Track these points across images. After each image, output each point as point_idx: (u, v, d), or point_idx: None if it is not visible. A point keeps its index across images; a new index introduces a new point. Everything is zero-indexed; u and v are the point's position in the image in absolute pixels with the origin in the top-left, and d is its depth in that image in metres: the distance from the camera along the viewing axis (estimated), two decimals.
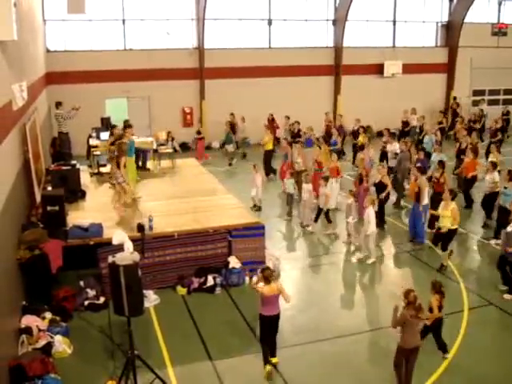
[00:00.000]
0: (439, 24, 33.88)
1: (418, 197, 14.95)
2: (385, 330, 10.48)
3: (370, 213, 13.60)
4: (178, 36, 28.08)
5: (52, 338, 9.77)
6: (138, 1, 27.14)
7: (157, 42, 27.58)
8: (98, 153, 18.11)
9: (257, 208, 17.77)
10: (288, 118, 26.06)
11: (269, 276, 9.10)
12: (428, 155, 19.79)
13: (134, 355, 8.36)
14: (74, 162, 15.84)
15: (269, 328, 9.28)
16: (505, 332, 10.58)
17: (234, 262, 12.55)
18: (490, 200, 16.21)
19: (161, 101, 27.34)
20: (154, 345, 10.03)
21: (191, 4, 28.03)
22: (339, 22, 30.61)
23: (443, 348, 9.64)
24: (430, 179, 16.25)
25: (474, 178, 17.90)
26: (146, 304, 10.73)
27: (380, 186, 16.05)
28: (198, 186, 16.40)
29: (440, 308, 9.30)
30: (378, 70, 31.86)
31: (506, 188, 14.77)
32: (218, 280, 12.27)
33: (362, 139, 21.90)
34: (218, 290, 12.18)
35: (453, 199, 13.31)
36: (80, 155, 20.53)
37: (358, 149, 21.84)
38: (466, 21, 32.78)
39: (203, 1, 26.91)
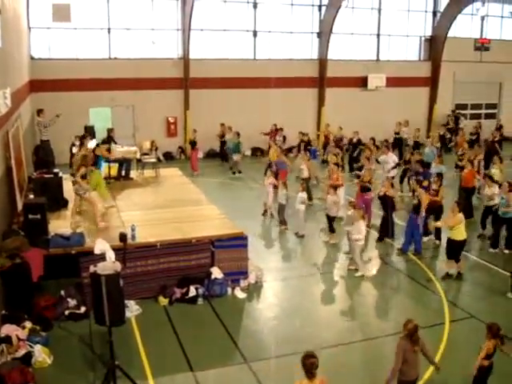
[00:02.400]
0: (423, 38, 34.27)
1: (415, 208, 14.96)
2: (368, 341, 10.54)
3: (360, 227, 13.56)
4: (163, 46, 28.11)
5: (32, 347, 9.67)
6: (124, 10, 27.12)
7: (142, 51, 27.60)
8: None
9: (267, 214, 18.20)
10: (282, 129, 26.15)
11: (312, 365, 7.03)
12: (428, 166, 19.89)
13: (115, 365, 8.31)
14: (56, 170, 15.74)
15: None
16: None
17: (216, 273, 12.51)
18: (486, 212, 16.38)
19: (145, 110, 27.32)
20: (135, 355, 9.96)
21: (177, 14, 28.08)
22: (324, 34, 30.83)
23: None
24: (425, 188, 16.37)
25: (474, 189, 18.30)
26: (128, 314, 10.65)
27: (385, 199, 16.08)
28: (181, 196, 16.37)
29: (490, 355, 8.37)
30: (362, 82, 32.12)
31: (503, 199, 14.97)
32: (201, 291, 12.21)
33: (369, 151, 22.08)
34: (200, 300, 12.12)
35: (460, 211, 13.31)
36: (62, 163, 20.38)
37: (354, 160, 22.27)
38: (449, 35, 33.24)
39: (189, 11, 26.98)
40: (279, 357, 10.07)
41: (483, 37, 34.96)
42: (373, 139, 23.25)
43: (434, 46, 33.94)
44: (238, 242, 12.90)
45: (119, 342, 9.04)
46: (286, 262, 15.05)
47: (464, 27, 34.53)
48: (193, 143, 25.35)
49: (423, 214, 15.08)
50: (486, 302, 12.38)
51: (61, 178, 15.12)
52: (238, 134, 25.03)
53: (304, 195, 16.63)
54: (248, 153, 28.45)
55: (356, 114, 30.46)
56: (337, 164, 18.88)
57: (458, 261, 13.47)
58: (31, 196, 14.29)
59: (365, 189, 16.94)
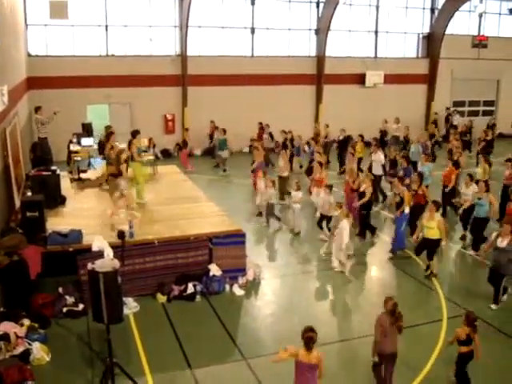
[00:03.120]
0: (420, 35, 34.26)
1: (398, 206, 14.97)
2: (365, 339, 10.54)
3: (344, 226, 13.43)
4: (160, 43, 28.07)
5: (30, 344, 9.66)
6: (121, 7, 27.07)
7: (139, 48, 27.56)
8: (78, 158, 18.00)
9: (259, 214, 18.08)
10: (268, 126, 26.05)
11: (310, 339, 7.56)
12: (414, 164, 19.89)
13: (113, 363, 8.31)
14: (54, 167, 15.72)
15: None
16: (483, 341, 10.62)
17: (214, 270, 12.51)
18: (466, 212, 16.00)
19: (143, 107, 27.28)
20: (133, 352, 9.96)
21: (174, 11, 28.04)
22: (322, 31, 30.82)
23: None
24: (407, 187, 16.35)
25: (454, 188, 17.92)
26: (126, 311, 10.66)
27: (362, 196, 16.05)
28: (179, 194, 16.36)
29: (468, 342, 8.84)
30: (360, 79, 32.10)
31: (479, 199, 14.71)
32: (199, 288, 12.22)
33: (360, 150, 22.19)
34: (198, 297, 12.12)
35: (437, 210, 13.27)
36: (60, 161, 20.36)
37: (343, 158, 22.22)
38: (447, 32, 33.23)
39: (186, 8, 26.94)
40: (277, 353, 10.06)
41: (481, 34, 34.96)
42: (361, 136, 23.17)
43: (432, 43, 33.92)
44: (235, 239, 12.90)
45: (117, 340, 9.03)
46: (283, 259, 15.03)
47: (462, 24, 34.53)
48: (183, 143, 25.31)
49: (407, 211, 14.93)
50: (484, 298, 12.37)
51: (58, 175, 15.09)
52: (225, 131, 24.94)
53: (299, 194, 16.57)
54: (246, 150, 28.38)
55: (354, 111, 30.49)
56: (320, 163, 18.67)
57: (432, 259, 13.37)
58: (29, 193, 14.29)
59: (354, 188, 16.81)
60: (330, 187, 16.11)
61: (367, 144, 23.64)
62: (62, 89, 25.16)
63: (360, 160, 21.82)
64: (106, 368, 8.33)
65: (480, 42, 34.49)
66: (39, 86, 24.42)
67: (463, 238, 16.18)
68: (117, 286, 8.03)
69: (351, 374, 9.69)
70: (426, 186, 16.66)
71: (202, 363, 9.69)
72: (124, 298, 10.32)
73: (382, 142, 26.86)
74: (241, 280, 12.78)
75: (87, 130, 20.22)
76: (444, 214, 17.50)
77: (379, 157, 19.94)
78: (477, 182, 16.00)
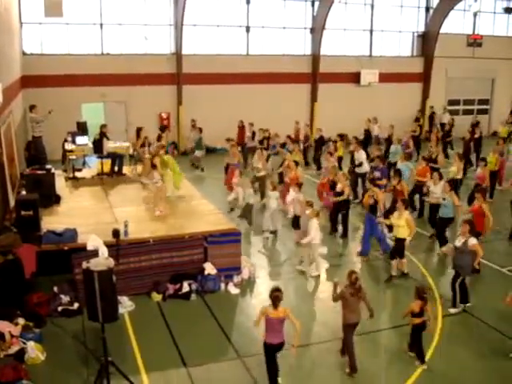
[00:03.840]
0: (415, 34, 34.30)
1: (372, 208, 14.66)
2: (361, 336, 10.57)
3: (313, 225, 13.28)
4: (155, 41, 28.02)
5: (25, 344, 9.66)
6: (116, 5, 27.01)
7: (134, 46, 27.51)
8: (73, 157, 17.97)
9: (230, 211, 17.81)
10: (251, 124, 25.86)
11: (277, 298, 8.54)
12: (394, 165, 19.64)
13: (108, 362, 8.31)
14: (48, 166, 15.71)
15: (272, 358, 8.81)
16: (479, 339, 10.68)
17: (209, 269, 12.52)
18: (433, 211, 15.85)
19: (138, 106, 27.22)
20: (128, 351, 9.96)
21: (169, 9, 27.99)
22: (317, 30, 30.82)
23: (421, 357, 9.72)
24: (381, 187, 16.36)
25: (422, 186, 17.32)
26: (121, 310, 10.67)
27: (339, 195, 15.94)
28: (174, 192, 16.32)
29: (421, 314, 9.54)
30: (355, 78, 32.11)
31: (444, 199, 14.50)
32: (194, 286, 12.23)
33: (341, 149, 21.98)
34: (194, 296, 12.14)
35: (406, 208, 13.17)
36: (55, 160, 20.31)
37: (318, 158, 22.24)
38: (441, 31, 33.26)
39: (181, 6, 26.91)
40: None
41: (476, 33, 35.02)
42: (340, 135, 23.12)
43: (427, 41, 33.96)
44: (231, 237, 12.92)
45: (112, 338, 9.04)
46: (277, 258, 15.00)
47: (456, 23, 34.55)
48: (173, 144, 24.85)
49: (381, 212, 14.82)
50: (479, 296, 12.41)
51: (53, 174, 15.09)
52: (201, 130, 24.83)
53: (276, 194, 16.25)
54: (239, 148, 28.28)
55: (349, 109, 30.50)
56: (296, 162, 18.51)
57: (403, 257, 13.27)
58: (23, 192, 14.27)
59: (333, 187, 16.68)
60: (299, 185, 15.96)
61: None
62: (57, 87, 25.09)
63: (340, 159, 21.63)
64: (101, 367, 8.33)
65: (475, 41, 34.56)
66: (34, 84, 24.34)
67: (431, 236, 16.03)
68: (112, 284, 8.03)
69: (340, 372, 9.70)
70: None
71: (197, 362, 9.70)
72: (119, 297, 10.34)
73: (366, 141, 26.91)
74: (236, 279, 12.79)
75: (82, 129, 20.15)
76: (422, 214, 17.62)
77: (361, 155, 19.87)
78: (450, 181, 16.03)
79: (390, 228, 14.47)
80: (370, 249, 14.85)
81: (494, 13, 35.99)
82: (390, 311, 11.81)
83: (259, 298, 12.38)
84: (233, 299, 12.18)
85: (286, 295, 12.30)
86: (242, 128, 26.58)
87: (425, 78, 34.40)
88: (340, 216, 16.40)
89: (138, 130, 19.88)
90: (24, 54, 25.19)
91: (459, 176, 17.90)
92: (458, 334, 10.93)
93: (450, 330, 11.01)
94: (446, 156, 24.32)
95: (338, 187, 16.07)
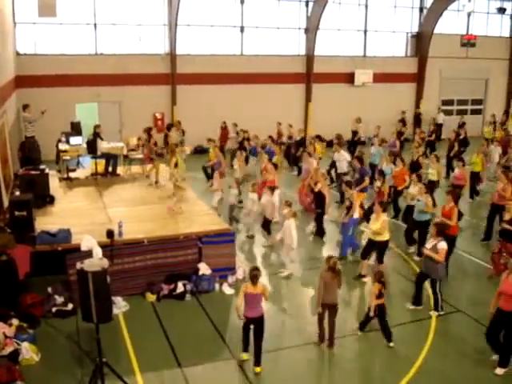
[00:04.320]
0: (409, 34, 34.38)
1: (348, 210, 14.56)
2: (355, 336, 10.62)
3: (291, 226, 13.19)
4: (149, 41, 27.99)
5: (19, 345, 9.62)
6: (110, 5, 26.97)
7: (128, 46, 27.46)
8: (67, 157, 17.94)
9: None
10: (235, 125, 25.75)
11: (255, 276, 9.41)
12: (372, 166, 19.53)
13: (102, 362, 8.29)
14: (42, 166, 15.69)
15: (249, 329, 9.63)
16: (473, 337, 10.72)
17: (204, 269, 12.52)
18: (407, 212, 15.85)
19: (132, 106, 27.18)
20: (122, 352, 9.95)
21: (163, 9, 27.97)
22: (311, 30, 30.85)
23: (388, 336, 10.32)
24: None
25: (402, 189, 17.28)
26: (115, 311, 10.64)
27: (319, 196, 15.81)
28: (168, 192, 16.31)
29: (380, 296, 10.19)
30: (349, 78, 32.15)
31: (419, 201, 14.32)
32: (188, 287, 12.22)
33: (319, 149, 21.75)
34: (188, 296, 12.13)
35: (384, 211, 13.02)
36: (49, 160, 20.25)
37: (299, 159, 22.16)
38: (435, 32, 33.35)
39: (176, 6, 26.88)
40: (266, 352, 10.10)
41: (469, 33, 35.10)
42: (318, 136, 23.07)
43: (421, 42, 34.05)
44: (225, 237, 12.93)
45: (107, 339, 9.02)
46: (270, 258, 14.94)
47: (450, 23, 34.64)
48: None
49: (356, 216, 14.65)
50: (473, 296, 12.46)
51: (47, 174, 15.07)
52: (183, 132, 24.71)
53: (255, 195, 15.93)
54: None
55: (343, 109, 30.50)
56: (275, 164, 18.24)
57: (382, 262, 13.03)
58: (17, 193, 14.24)
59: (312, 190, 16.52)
60: (272, 188, 15.85)
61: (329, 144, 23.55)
62: (51, 87, 25.01)
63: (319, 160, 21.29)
64: (95, 367, 8.31)
65: (468, 41, 34.63)
66: (28, 84, 24.26)
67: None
68: (106, 285, 8.02)
69: (336, 372, 9.75)
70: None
71: (192, 362, 9.70)
72: (113, 298, 10.32)
73: (353, 141, 26.90)
74: (230, 279, 12.79)
75: (76, 129, 20.14)
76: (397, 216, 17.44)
77: (342, 155, 19.77)
78: (430, 183, 16.02)
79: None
80: (357, 246, 14.75)
81: (488, 13, 36.10)
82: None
83: None
84: (227, 299, 12.17)
85: (280, 295, 12.39)
86: (224, 129, 26.49)
87: (419, 78, 34.48)
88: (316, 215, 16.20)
89: (149, 130, 19.63)
90: (18, 54, 25.09)
91: (436, 178, 17.76)
92: (451, 332, 10.97)
93: (444, 329, 11.06)
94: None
95: (317, 187, 15.93)
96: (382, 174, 16.48)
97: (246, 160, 21.30)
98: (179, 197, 14.69)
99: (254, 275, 9.44)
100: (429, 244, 11.53)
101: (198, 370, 9.55)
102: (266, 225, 15.57)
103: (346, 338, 10.69)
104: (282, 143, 25.13)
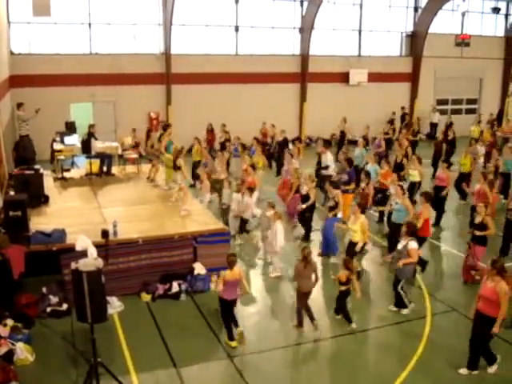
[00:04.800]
0: (404, 34, 34.43)
1: (331, 210, 14.53)
2: (348, 336, 10.65)
3: (278, 228, 13.15)
4: (144, 41, 27.96)
5: (14, 345, 9.61)
6: (105, 5, 26.91)
7: (123, 46, 27.43)
8: (62, 157, 17.91)
9: None
10: (224, 125, 25.65)
11: (233, 262, 10.10)
12: (357, 168, 19.15)
13: (97, 362, 8.28)
14: (37, 166, 15.65)
15: (228, 312, 10.38)
16: (465, 335, 10.74)
17: (199, 269, 12.51)
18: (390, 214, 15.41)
19: (127, 106, 27.14)
20: (117, 352, 9.94)
21: (158, 9, 27.93)
22: (306, 30, 30.85)
23: (348, 318, 11.02)
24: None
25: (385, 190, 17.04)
26: (110, 311, 10.63)
27: (306, 199, 15.70)
28: (163, 192, 16.33)
29: (347, 282, 10.80)
30: (344, 78, 32.17)
31: (397, 203, 14.20)
32: (183, 286, 12.22)
33: (298, 150, 21.64)
34: (183, 296, 12.13)
35: (362, 212, 12.98)
36: (43, 160, 20.21)
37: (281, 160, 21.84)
38: (430, 31, 33.41)
39: (170, 6, 26.84)
40: (262, 351, 10.12)
41: (464, 33, 35.15)
42: (298, 138, 22.95)
43: (415, 41, 34.11)
44: (220, 237, 12.92)
45: (102, 339, 9.03)
46: (263, 258, 14.86)
47: (445, 23, 34.70)
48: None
49: (339, 215, 14.65)
50: (468, 295, 12.48)
51: (42, 174, 15.03)
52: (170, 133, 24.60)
53: (239, 197, 15.65)
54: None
55: (338, 109, 30.44)
56: (252, 165, 18.01)
57: (351, 258, 12.69)
58: (12, 193, 14.20)
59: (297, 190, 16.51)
60: (251, 189, 15.81)
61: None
62: (46, 87, 24.98)
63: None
64: (90, 368, 8.30)
65: (463, 41, 34.67)
66: (22, 84, 24.20)
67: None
68: (101, 285, 8.01)
69: (331, 370, 9.77)
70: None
71: (187, 362, 9.70)
72: (108, 298, 10.31)
73: (341, 142, 26.85)
74: None
75: (71, 129, 20.10)
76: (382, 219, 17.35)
77: (327, 157, 19.66)
78: (412, 184, 15.97)
79: None
80: (338, 249, 14.68)
81: (482, 13, 36.21)
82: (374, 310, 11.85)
83: (248, 298, 12.37)
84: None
85: (275, 295, 12.39)
86: (210, 131, 26.37)
87: (413, 77, 34.53)
88: (303, 217, 16.08)
89: (148, 131, 19.42)
90: (12, 53, 25.03)
91: (418, 179, 17.70)
92: (445, 330, 11.00)
93: (438, 327, 11.10)
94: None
95: (304, 189, 15.86)
96: (368, 174, 16.42)
97: (228, 161, 21.07)
98: (185, 198, 14.56)
99: (231, 261, 10.10)
100: (400, 244, 11.52)
101: (193, 369, 9.55)
102: (243, 225, 15.55)
103: (341, 338, 10.72)
104: (265, 144, 24.98)
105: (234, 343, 10.21)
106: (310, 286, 10.76)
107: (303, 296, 10.79)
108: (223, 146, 22.99)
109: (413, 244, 11.22)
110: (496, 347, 9.73)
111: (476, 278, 12.70)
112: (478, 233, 12.64)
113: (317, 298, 12.08)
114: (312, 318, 10.81)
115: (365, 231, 12.76)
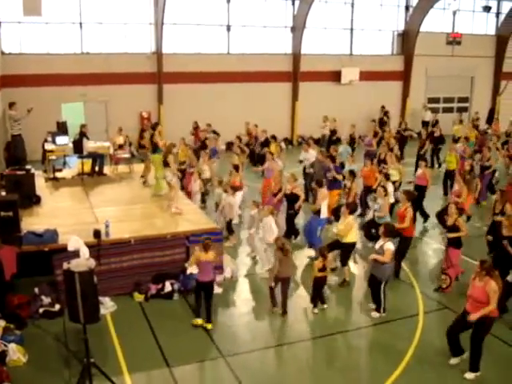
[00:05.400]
0: (395, 32, 34.47)
1: (319, 210, 14.56)
2: (341, 334, 10.67)
3: (269, 222, 13.09)
4: (136, 40, 27.90)
5: (6, 346, 9.56)
6: (96, 4, 26.83)
7: (114, 45, 27.36)
8: (53, 157, 17.84)
9: None
10: (209, 125, 25.53)
11: (208, 245, 10.66)
12: (342, 165, 19.23)
13: (90, 363, 8.27)
14: (28, 166, 15.59)
15: (200, 292, 10.93)
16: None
17: (191, 268, 12.48)
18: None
19: (118, 105, 27.07)
20: (110, 352, 9.92)
21: (150, 8, 27.87)
22: (297, 29, 30.86)
23: (322, 300, 11.78)
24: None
25: (371, 187, 17.17)
26: (103, 311, 10.60)
27: (291, 198, 15.63)
28: (155, 191, 16.29)
29: (323, 269, 11.51)
30: (336, 76, 32.18)
31: (378, 204, 14.29)
32: (176, 286, 12.21)
33: (274, 149, 21.42)
34: (176, 296, 12.11)
35: (351, 213, 12.88)
36: (34, 160, 20.13)
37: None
38: (421, 30, 33.43)
39: (162, 5, 26.79)
40: (255, 351, 10.13)
41: (455, 31, 35.28)
42: (274, 137, 23.04)
43: (407, 40, 34.15)
44: (212, 237, 12.84)
45: (94, 340, 9.01)
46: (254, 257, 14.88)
47: (436, 22, 34.74)
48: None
49: (324, 215, 14.69)
50: (459, 292, 12.51)
51: (33, 174, 14.98)
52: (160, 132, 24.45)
53: (225, 196, 15.71)
54: (223, 147, 28.26)
55: (330, 108, 30.46)
56: (236, 166, 17.67)
57: (345, 265, 13.02)
58: (3, 193, 14.12)
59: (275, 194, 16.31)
60: (234, 189, 15.71)
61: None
62: (37, 87, 24.85)
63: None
64: (83, 368, 8.29)
65: (454, 39, 34.80)
66: (13, 84, 24.10)
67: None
68: (93, 285, 7.99)
69: (327, 368, 9.75)
70: None
71: (181, 362, 9.69)
72: (101, 298, 10.28)
73: (330, 140, 26.88)
74: (218, 278, 12.75)
75: (62, 129, 20.02)
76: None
77: (310, 155, 19.61)
78: (392, 183, 16.05)
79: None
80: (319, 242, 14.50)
81: (473, 11, 36.27)
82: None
83: (241, 297, 12.42)
84: (215, 298, 12.09)
85: (268, 294, 12.39)
86: (196, 129, 26.01)
87: (405, 76, 34.58)
88: (286, 215, 15.98)
89: (141, 131, 19.28)
90: (3, 53, 24.93)
91: (397, 178, 17.59)
92: (439, 329, 11.00)
93: (432, 325, 11.16)
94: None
95: (288, 189, 15.74)
96: (352, 173, 16.36)
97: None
98: (175, 196, 14.51)
99: (206, 244, 10.67)
100: (377, 244, 11.49)
101: (186, 369, 9.54)
102: (228, 225, 15.51)
103: (332, 336, 10.75)
104: (248, 144, 24.95)
105: (199, 321, 10.84)
106: (288, 272, 11.44)
107: (282, 281, 11.39)
108: (204, 145, 22.49)
109: (389, 245, 11.13)
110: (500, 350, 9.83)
111: (442, 287, 12.63)
112: (450, 235, 12.48)
113: (304, 296, 12.14)
114: (284, 311, 11.47)
115: (349, 231, 12.59)
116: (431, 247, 15.81)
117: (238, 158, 19.42)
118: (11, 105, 19.40)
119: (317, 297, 11.70)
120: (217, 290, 12.44)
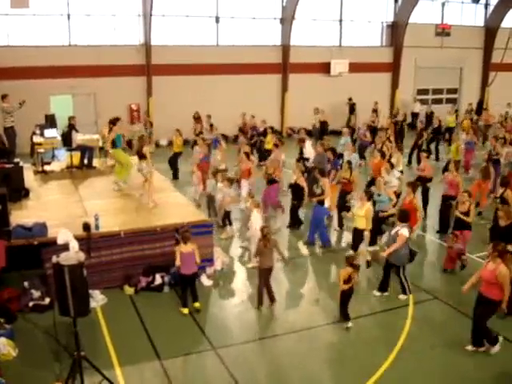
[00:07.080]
0: (384, 24, 34.49)
1: (320, 200, 14.67)
2: (332, 325, 10.70)
3: (254, 216, 13.13)
4: (124, 32, 27.75)
5: None
6: None
7: (103, 37, 27.20)
8: (42, 150, 17.73)
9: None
10: (209, 116, 25.48)
11: (186, 237, 10.83)
12: (341, 156, 19.36)
13: (81, 356, 8.24)
14: (17, 159, 15.48)
15: (186, 286, 11.14)
16: (450, 324, 10.85)
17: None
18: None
19: (107, 97, 26.94)
20: (101, 345, 9.91)
21: (138, 0, 27.70)
22: (286, 20, 30.81)
23: (346, 318, 10.72)
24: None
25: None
26: (93, 304, 10.59)
27: (296, 188, 15.74)
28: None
29: (348, 280, 10.54)
30: (325, 68, 32.22)
31: (379, 195, 14.33)
32: (166, 279, 12.19)
33: (270, 140, 21.68)
34: (167, 288, 12.11)
35: (368, 200, 13.08)
36: (23, 153, 19.99)
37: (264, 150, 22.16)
38: (410, 21, 33.48)
39: None
40: (246, 342, 10.14)
41: (444, 22, 35.33)
42: (271, 128, 23.02)
43: (396, 31, 34.21)
44: (203, 229, 12.86)
45: (85, 333, 8.98)
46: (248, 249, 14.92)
47: (425, 13, 34.80)
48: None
49: (327, 205, 14.87)
50: (449, 283, 12.60)
51: (22, 167, 14.87)
52: (151, 124, 24.63)
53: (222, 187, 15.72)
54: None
55: (320, 99, 30.49)
56: (247, 153, 17.86)
57: (356, 250, 13.07)
58: None
59: (271, 181, 16.47)
60: (230, 180, 15.74)
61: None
62: (25, 79, 24.67)
63: (268, 152, 21.14)
64: (73, 361, 8.26)
65: (443, 31, 34.89)
66: (1, 76, 23.91)
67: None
68: (83, 278, 7.95)
69: (318, 360, 9.78)
70: None
71: (171, 354, 9.70)
72: (91, 291, 10.27)
73: (322, 132, 26.90)
74: (208, 270, 12.77)
75: (51, 122, 19.92)
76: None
77: (309, 148, 19.69)
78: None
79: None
80: (314, 240, 14.86)
81: (462, 2, 36.35)
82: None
83: (232, 289, 12.42)
84: (205, 291, 12.16)
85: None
86: (197, 119, 25.92)
87: (394, 67, 34.66)
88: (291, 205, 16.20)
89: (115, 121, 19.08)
90: None
91: (400, 168, 17.65)
92: (428, 319, 11.08)
93: (422, 316, 11.20)
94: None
95: (293, 179, 15.88)
96: (350, 164, 16.37)
97: None
98: (149, 189, 14.32)
99: (184, 236, 10.83)
100: (393, 230, 11.68)
101: (177, 361, 9.55)
102: (226, 216, 15.54)
103: (324, 327, 10.79)
104: (247, 134, 24.89)
105: (185, 310, 11.03)
106: (271, 263, 11.26)
107: (264, 272, 11.23)
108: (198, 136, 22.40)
109: (404, 231, 11.35)
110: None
111: (465, 265, 13.10)
112: (466, 218, 12.83)
113: (298, 288, 12.16)
114: (272, 299, 11.40)
115: (369, 218, 12.91)
116: (423, 239, 15.84)
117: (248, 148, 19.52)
118: (4, 97, 19.29)
119: (346, 310, 10.78)
120: (207, 282, 12.47)
